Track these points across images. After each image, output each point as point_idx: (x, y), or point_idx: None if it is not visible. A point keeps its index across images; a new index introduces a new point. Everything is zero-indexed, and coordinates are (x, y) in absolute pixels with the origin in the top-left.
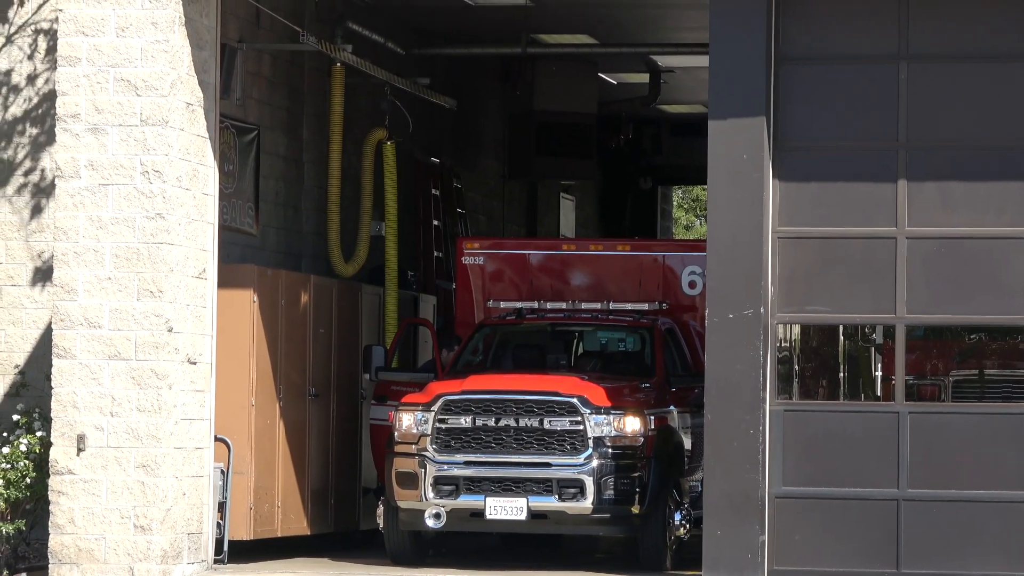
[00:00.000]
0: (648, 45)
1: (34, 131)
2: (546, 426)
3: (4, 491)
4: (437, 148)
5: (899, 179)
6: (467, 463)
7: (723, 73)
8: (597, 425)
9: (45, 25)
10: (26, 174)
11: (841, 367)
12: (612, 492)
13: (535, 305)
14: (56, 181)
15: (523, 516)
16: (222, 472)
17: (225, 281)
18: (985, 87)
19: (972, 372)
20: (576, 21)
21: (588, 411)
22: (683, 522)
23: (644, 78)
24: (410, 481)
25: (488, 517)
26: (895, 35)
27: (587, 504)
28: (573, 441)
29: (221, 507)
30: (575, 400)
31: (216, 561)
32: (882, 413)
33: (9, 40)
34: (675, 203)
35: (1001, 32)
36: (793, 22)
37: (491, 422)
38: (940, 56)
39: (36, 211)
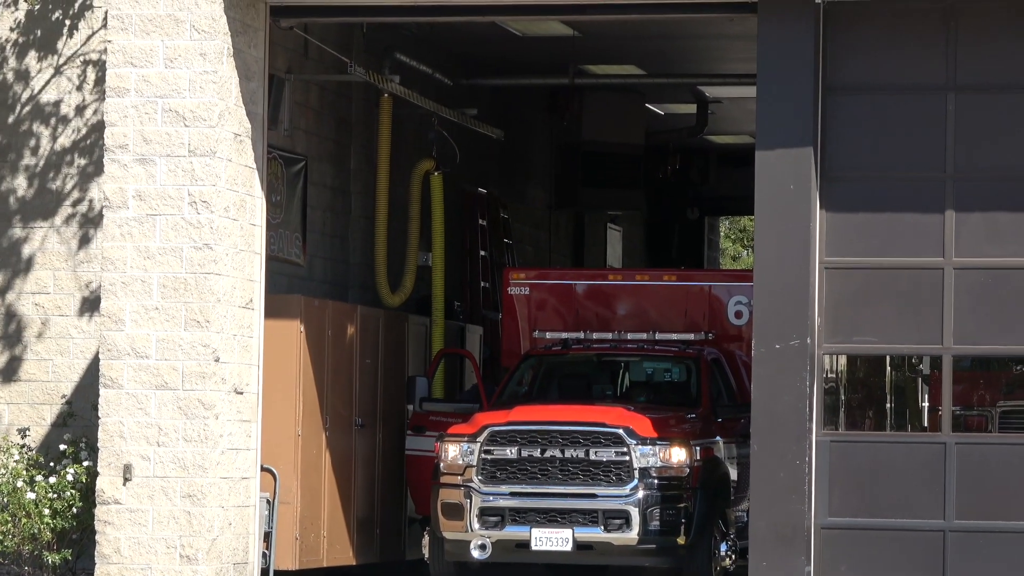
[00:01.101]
0: (695, 76)
1: (82, 161)
2: (592, 457)
3: (51, 521)
4: (484, 178)
5: (946, 210)
6: (513, 494)
7: (770, 103)
8: (643, 456)
9: (94, 56)
10: (74, 204)
11: (888, 398)
12: (658, 523)
13: (581, 335)
14: (104, 211)
15: (569, 547)
16: (268, 502)
17: (272, 311)
18: None
19: (1019, 403)
20: (623, 52)
21: (634, 442)
22: (729, 553)
23: (691, 108)
24: (456, 512)
25: (534, 548)
26: (943, 65)
27: (633, 535)
28: (619, 472)
29: (267, 537)
30: (621, 431)
31: None
32: (929, 444)
33: (58, 71)
34: (722, 233)
35: None
36: (841, 52)
37: (537, 453)
38: (988, 87)
39: (84, 241)
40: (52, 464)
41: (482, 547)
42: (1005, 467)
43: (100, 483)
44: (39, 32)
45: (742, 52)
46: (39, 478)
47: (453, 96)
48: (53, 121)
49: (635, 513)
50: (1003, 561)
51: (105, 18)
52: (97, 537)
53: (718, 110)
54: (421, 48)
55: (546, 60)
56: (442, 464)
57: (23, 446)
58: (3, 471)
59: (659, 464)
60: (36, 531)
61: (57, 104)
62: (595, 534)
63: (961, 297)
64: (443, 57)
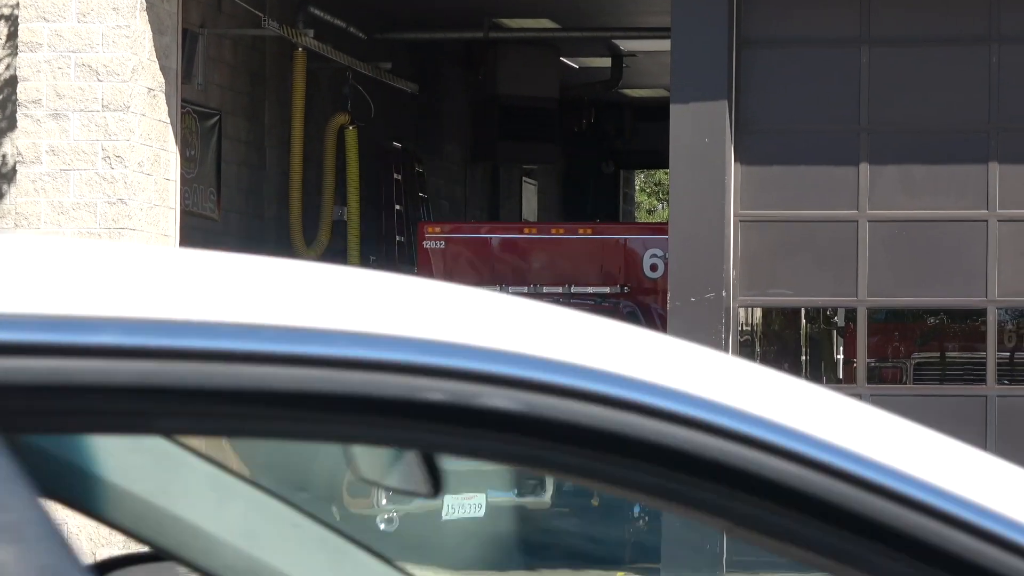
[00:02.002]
0: (610, 29)
1: None
2: None
3: None
4: (399, 133)
5: (860, 162)
6: None
7: (685, 57)
8: None
9: (6, 11)
10: None
11: (803, 350)
12: (571, 485)
13: (497, 289)
14: (17, 167)
15: (481, 513)
16: None
17: None
18: (946, 70)
19: (934, 354)
20: (538, 5)
21: None
22: (643, 515)
23: (606, 62)
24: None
25: (445, 517)
26: (857, 18)
27: (546, 498)
28: None
29: None
30: None
31: None
32: None
33: None
34: (637, 187)
35: (962, 16)
36: (755, 5)
37: None
38: (902, 40)
39: None
40: None
41: (389, 521)
42: (919, 418)
43: None
44: None
45: (656, 5)
46: None
47: (368, 50)
48: None
49: None
50: None
51: None
52: None
53: (633, 64)
54: (335, 2)
55: (461, 14)
56: None
57: None
58: None
59: None
60: None
61: None
62: (508, 498)
63: (875, 249)
64: (357, 11)
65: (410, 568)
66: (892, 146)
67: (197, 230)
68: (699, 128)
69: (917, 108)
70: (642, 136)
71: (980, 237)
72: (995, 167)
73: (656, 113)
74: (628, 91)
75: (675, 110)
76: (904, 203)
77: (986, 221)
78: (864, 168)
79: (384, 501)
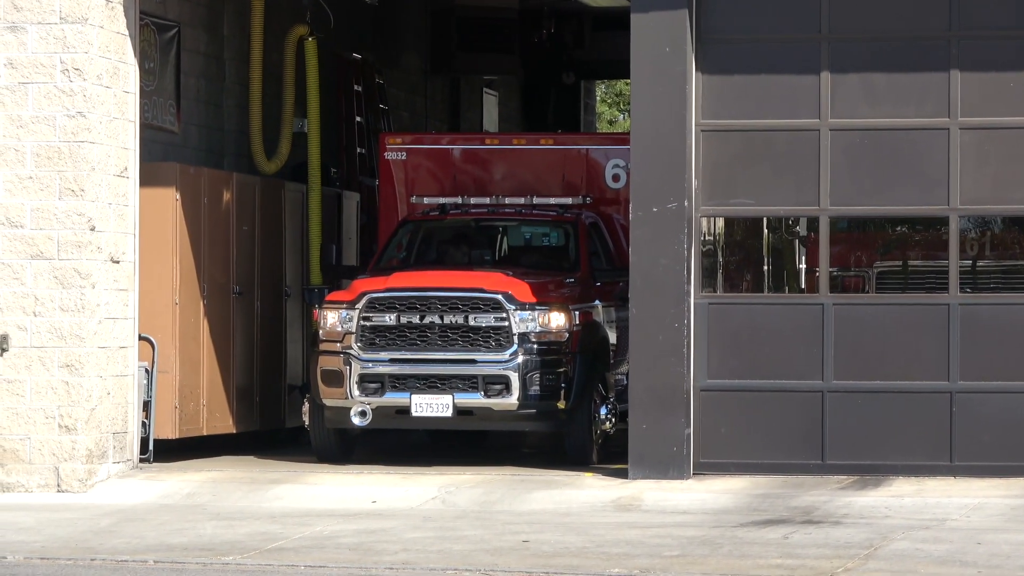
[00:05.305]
0: None
1: None
2: (471, 323)
3: None
4: (359, 44)
5: (822, 71)
6: (392, 361)
7: None
8: (522, 321)
9: None
10: None
11: (765, 260)
12: (538, 388)
13: (459, 200)
14: None
15: (449, 413)
16: (146, 371)
17: (147, 179)
18: None
19: (895, 263)
20: None
21: (513, 307)
22: (609, 416)
23: None
24: (335, 379)
25: (414, 414)
26: None
27: (513, 400)
28: (498, 337)
29: (146, 406)
30: (500, 296)
31: (141, 460)
32: (806, 305)
33: None
34: (598, 98)
35: None
36: None
37: (416, 319)
38: None
39: None
40: None
41: (362, 414)
42: (881, 327)
43: None
44: None
45: None
46: None
47: None
48: None
49: (515, 378)
50: (879, 420)
51: None
52: None
53: None
54: None
55: None
56: (321, 331)
57: None
58: None
59: (538, 329)
60: None
61: None
62: (475, 400)
63: (837, 158)
64: None
65: (381, 461)
66: (853, 54)
67: (156, 143)
68: (660, 37)
69: (878, 16)
70: (603, 46)
71: (942, 145)
72: (956, 75)
73: (617, 22)
74: (588, 0)
75: (636, 19)
76: (866, 112)
77: (947, 129)
78: (825, 77)
79: (356, 393)
